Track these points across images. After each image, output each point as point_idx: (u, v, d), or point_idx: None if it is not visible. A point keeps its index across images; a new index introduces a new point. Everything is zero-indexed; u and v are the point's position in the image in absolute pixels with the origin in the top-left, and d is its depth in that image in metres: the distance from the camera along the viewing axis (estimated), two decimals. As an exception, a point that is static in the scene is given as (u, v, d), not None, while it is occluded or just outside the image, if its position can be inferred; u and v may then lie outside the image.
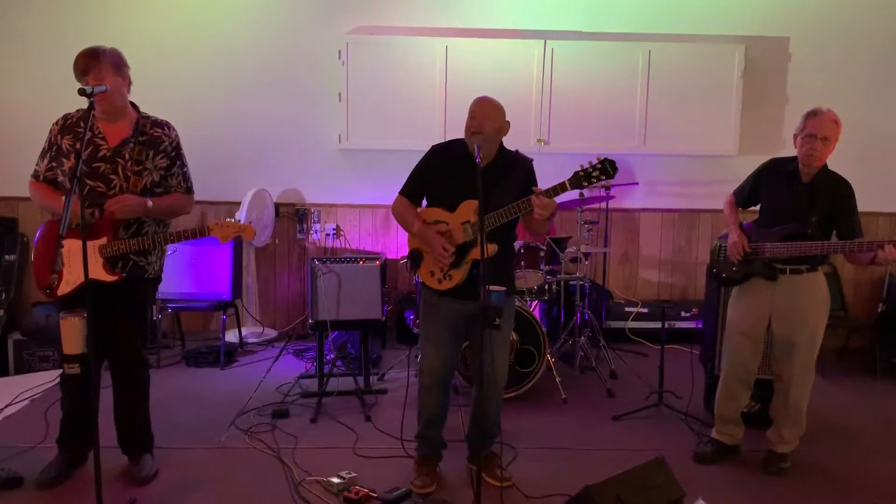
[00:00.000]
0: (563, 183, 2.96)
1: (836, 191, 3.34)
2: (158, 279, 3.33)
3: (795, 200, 3.38)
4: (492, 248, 2.98)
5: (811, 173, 3.36)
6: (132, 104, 3.20)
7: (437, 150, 3.26)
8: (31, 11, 5.57)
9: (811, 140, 3.28)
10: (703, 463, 3.57)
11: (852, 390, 4.83)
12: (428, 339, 3.26)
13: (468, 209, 3.09)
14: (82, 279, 2.92)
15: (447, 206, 3.15)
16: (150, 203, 3.08)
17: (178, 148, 3.25)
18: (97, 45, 3.03)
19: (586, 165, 2.96)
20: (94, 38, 3.38)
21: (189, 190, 3.31)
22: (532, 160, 3.29)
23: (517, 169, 3.19)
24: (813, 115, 3.31)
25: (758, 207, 3.61)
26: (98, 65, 2.96)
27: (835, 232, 3.36)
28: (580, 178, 2.95)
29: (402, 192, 3.28)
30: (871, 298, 5.83)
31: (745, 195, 3.63)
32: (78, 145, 2.82)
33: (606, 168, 2.95)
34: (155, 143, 3.15)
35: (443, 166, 3.19)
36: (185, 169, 3.28)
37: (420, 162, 3.27)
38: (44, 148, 3.15)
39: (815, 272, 3.41)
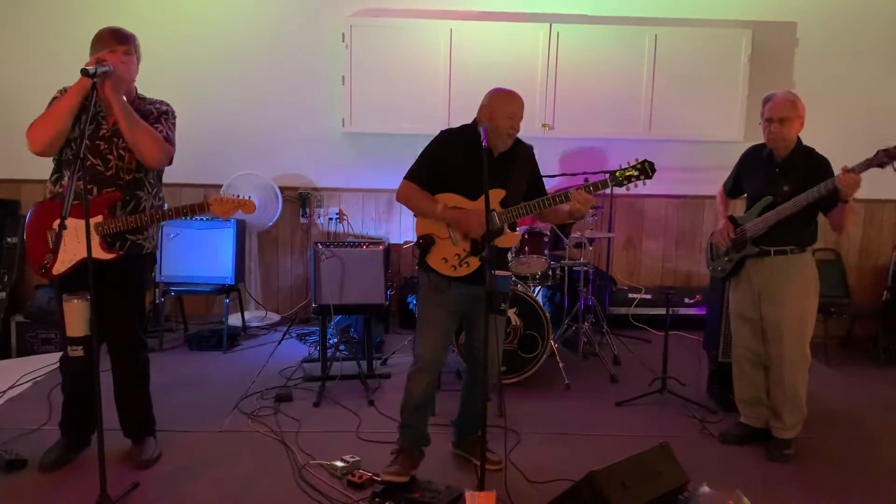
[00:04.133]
0: (605, 181, 3.03)
1: (810, 164, 3.39)
2: (155, 255, 3.32)
3: (770, 179, 3.46)
4: (517, 237, 2.98)
5: (784, 154, 3.43)
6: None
7: (450, 135, 3.18)
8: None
9: (768, 124, 3.40)
10: (728, 443, 3.63)
11: (856, 378, 4.83)
12: (432, 323, 3.18)
13: (493, 198, 3.05)
14: (78, 257, 2.91)
15: (465, 194, 3.10)
16: (124, 97, 2.97)
17: (164, 113, 3.18)
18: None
19: (625, 165, 3.03)
20: (98, 19, 3.36)
21: (168, 140, 3.14)
22: (532, 146, 3.28)
23: (524, 157, 3.22)
24: (767, 100, 3.43)
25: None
26: (129, 44, 3.04)
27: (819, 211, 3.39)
28: (619, 180, 3.02)
29: (410, 177, 3.15)
30: (875, 286, 5.81)
31: (730, 185, 3.76)
32: (84, 117, 2.80)
33: (646, 169, 3.04)
34: (144, 116, 3.10)
35: (459, 153, 3.11)
36: (164, 123, 3.14)
37: (431, 146, 3.17)
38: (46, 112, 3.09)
39: (802, 253, 3.43)
